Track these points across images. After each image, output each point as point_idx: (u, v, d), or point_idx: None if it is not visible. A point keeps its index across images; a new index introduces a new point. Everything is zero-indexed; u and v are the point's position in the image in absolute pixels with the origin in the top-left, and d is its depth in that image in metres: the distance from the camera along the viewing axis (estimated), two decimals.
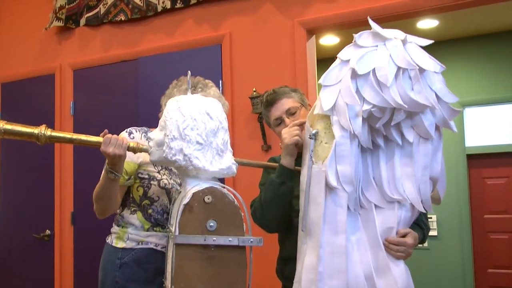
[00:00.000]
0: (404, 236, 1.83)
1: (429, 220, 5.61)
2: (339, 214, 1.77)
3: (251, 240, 1.70)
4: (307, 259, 1.81)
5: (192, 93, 1.99)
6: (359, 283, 1.76)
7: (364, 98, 1.73)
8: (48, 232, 4.34)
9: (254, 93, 3.49)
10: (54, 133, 1.89)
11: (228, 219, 1.69)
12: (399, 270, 1.79)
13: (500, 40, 5.64)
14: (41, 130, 1.86)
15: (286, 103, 2.21)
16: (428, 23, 5.22)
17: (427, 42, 1.79)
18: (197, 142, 1.72)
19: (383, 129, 1.80)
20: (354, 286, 1.76)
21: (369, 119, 1.77)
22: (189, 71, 1.96)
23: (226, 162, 1.79)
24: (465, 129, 5.71)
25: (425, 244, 5.75)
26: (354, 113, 1.74)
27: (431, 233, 5.70)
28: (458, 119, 5.68)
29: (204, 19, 3.85)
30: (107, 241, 2.32)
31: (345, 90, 1.73)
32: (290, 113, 2.20)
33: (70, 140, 1.94)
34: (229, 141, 1.84)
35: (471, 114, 5.76)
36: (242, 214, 1.71)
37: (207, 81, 2.31)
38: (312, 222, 1.80)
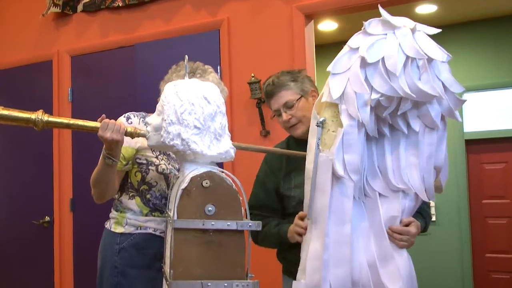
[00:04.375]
0: (407, 225, 1.84)
1: None
2: (345, 203, 1.77)
3: (250, 224, 1.70)
4: (312, 247, 1.81)
5: (191, 78, 1.98)
6: (363, 272, 1.77)
7: (372, 87, 1.72)
8: (47, 218, 4.35)
9: (253, 78, 3.48)
10: (52, 118, 1.88)
11: (226, 203, 1.69)
12: (402, 259, 1.80)
13: (498, 25, 5.61)
14: (38, 115, 1.86)
15: (284, 95, 2.21)
16: (427, 8, 5.20)
17: (435, 30, 1.77)
18: (195, 127, 1.72)
19: (389, 118, 1.79)
20: (357, 274, 1.77)
21: (375, 108, 1.76)
22: (187, 56, 1.94)
23: (224, 147, 1.79)
24: (464, 114, 5.71)
25: None
26: (363, 101, 1.73)
27: None
28: None
29: (202, 5, 3.83)
30: (106, 226, 2.32)
31: (354, 79, 1.72)
32: (288, 106, 2.21)
33: (67, 125, 1.93)
34: (227, 125, 1.83)
35: (469, 99, 5.73)
36: (241, 198, 1.71)
37: (206, 66, 2.30)
38: (318, 211, 1.79)
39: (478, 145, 5.70)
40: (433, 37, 1.77)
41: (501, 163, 5.65)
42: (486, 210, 5.68)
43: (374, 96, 1.71)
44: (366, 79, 1.72)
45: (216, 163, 1.84)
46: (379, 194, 1.83)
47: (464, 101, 1.80)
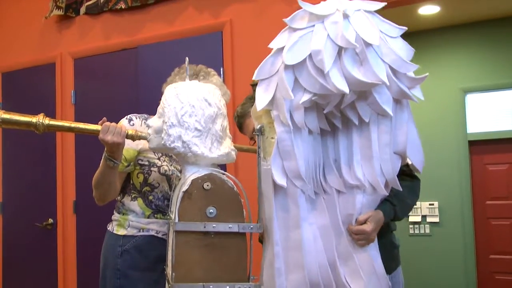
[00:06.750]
0: (364, 222, 1.74)
1: (431, 206, 5.64)
2: (291, 210, 1.69)
3: (251, 226, 1.70)
4: (266, 255, 1.76)
5: (194, 80, 1.98)
6: (323, 272, 1.72)
7: (304, 87, 1.59)
8: (50, 221, 4.35)
9: (256, 80, 3.48)
10: (53, 122, 1.89)
11: (227, 205, 1.69)
12: (362, 257, 1.74)
13: (502, 26, 5.59)
14: (39, 119, 1.86)
15: (250, 123, 2.28)
16: (429, 9, 5.18)
17: (377, 5, 1.59)
18: (196, 129, 1.72)
19: (336, 111, 1.67)
20: (316, 276, 1.71)
21: (318, 103, 1.65)
22: (187, 58, 1.94)
23: (225, 149, 1.79)
24: (467, 115, 5.70)
25: (427, 231, 5.76)
26: (294, 105, 1.61)
27: (433, 219, 5.72)
28: (460, 105, 5.67)
29: (204, 7, 3.83)
30: (108, 228, 2.32)
31: (280, 83, 1.61)
32: None
33: (69, 129, 1.93)
34: (228, 128, 1.83)
35: (473, 100, 5.74)
36: (242, 200, 1.71)
37: (209, 69, 2.30)
38: (267, 219, 1.73)
39: (481, 146, 5.69)
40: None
41: (505, 164, 5.64)
42: (490, 211, 5.67)
43: (306, 97, 1.59)
44: (296, 80, 1.60)
45: (219, 165, 1.83)
46: (337, 190, 1.75)
47: (422, 78, 1.63)
